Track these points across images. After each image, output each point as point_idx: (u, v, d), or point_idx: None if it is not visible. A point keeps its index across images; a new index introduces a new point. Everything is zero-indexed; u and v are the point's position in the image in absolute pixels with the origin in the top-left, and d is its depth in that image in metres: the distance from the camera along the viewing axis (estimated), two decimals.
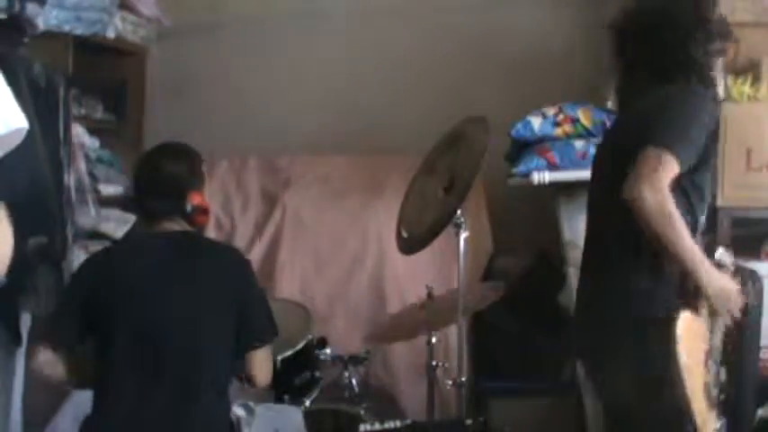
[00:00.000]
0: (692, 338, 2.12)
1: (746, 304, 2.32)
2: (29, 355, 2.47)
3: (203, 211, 2.49)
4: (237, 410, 2.58)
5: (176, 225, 2.47)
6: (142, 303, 2.37)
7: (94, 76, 3.86)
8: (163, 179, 2.47)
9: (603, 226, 2.32)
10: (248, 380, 2.48)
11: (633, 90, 2.39)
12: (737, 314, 2.23)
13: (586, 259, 2.40)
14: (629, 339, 2.15)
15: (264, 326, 2.47)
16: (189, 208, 2.46)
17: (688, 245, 2.06)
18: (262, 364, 2.47)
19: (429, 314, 2.99)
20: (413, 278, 3.57)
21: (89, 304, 2.42)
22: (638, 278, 2.19)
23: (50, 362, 2.42)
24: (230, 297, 2.40)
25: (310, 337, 3.11)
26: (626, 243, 2.18)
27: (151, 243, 2.49)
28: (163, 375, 2.33)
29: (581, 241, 2.46)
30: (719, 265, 2.22)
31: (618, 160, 2.17)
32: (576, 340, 2.42)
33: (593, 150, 3.39)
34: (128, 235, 3.58)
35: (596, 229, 2.39)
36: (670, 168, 2.06)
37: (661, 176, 2.04)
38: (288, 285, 3.72)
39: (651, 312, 2.14)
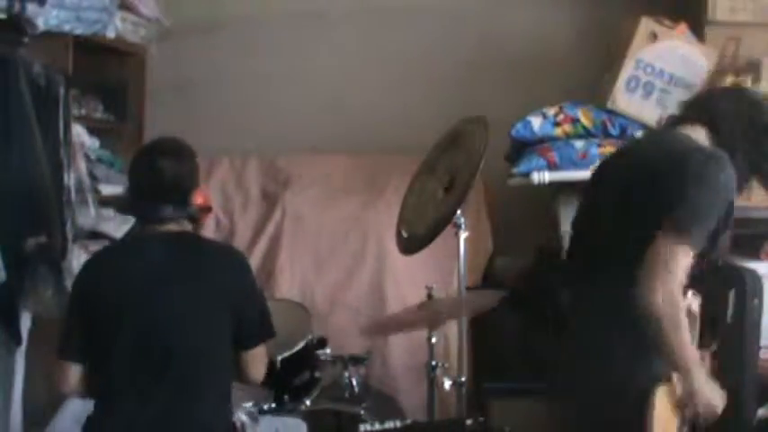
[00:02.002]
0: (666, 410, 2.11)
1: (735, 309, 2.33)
2: (59, 380, 2.45)
3: (207, 209, 2.50)
4: (242, 416, 2.58)
5: (177, 225, 2.47)
6: (142, 303, 2.37)
7: (94, 76, 3.86)
8: (165, 183, 2.41)
9: (600, 274, 2.25)
10: (240, 376, 2.48)
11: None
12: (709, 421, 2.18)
13: (575, 283, 2.37)
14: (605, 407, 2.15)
15: (260, 325, 2.47)
16: (193, 211, 2.46)
17: (688, 353, 2.06)
18: (256, 361, 2.47)
19: (428, 315, 2.99)
20: (413, 278, 3.57)
21: (90, 306, 2.42)
22: (622, 341, 2.14)
23: (79, 379, 2.43)
24: (229, 296, 2.40)
25: (310, 337, 3.11)
26: (618, 306, 2.12)
27: (151, 243, 2.48)
28: (164, 375, 2.33)
29: None
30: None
31: (623, 210, 2.18)
32: (550, 384, 2.41)
33: (593, 150, 3.40)
34: (127, 234, 3.58)
35: (591, 267, 2.31)
36: (684, 260, 2.04)
37: (675, 275, 2.02)
38: (288, 285, 3.72)
39: (631, 383, 2.12)
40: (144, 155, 2.51)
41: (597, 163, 2.62)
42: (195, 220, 2.49)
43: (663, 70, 3.44)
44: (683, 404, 2.11)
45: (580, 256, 2.38)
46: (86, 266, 2.54)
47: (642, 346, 2.08)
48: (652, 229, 2.06)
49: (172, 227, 2.45)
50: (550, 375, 2.39)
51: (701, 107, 2.35)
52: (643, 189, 2.17)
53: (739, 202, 2.25)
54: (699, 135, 2.28)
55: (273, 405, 2.93)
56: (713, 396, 2.13)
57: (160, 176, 2.41)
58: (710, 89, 2.55)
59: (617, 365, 2.14)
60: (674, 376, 2.09)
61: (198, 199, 2.46)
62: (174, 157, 2.45)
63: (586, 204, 2.44)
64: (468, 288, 3.07)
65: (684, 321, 2.03)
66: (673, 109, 3.43)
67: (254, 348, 2.46)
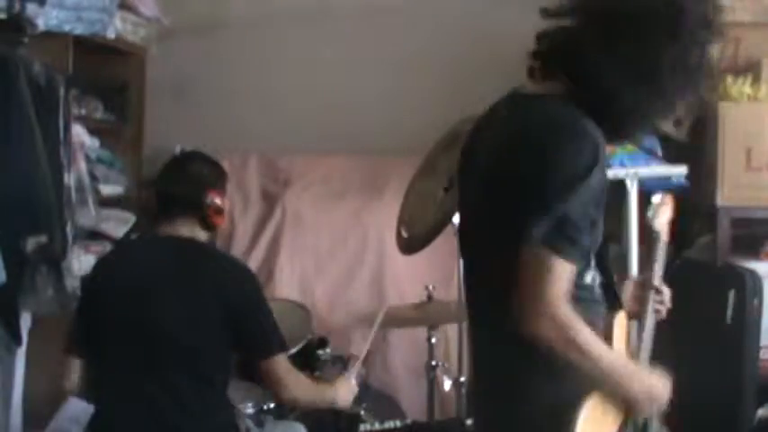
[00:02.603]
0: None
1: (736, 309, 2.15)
2: (62, 375, 2.50)
3: (219, 210, 2.51)
4: (247, 421, 2.58)
5: (187, 227, 2.47)
6: (139, 305, 2.37)
7: (94, 76, 3.86)
8: (185, 174, 2.54)
9: (484, 280, 1.81)
10: (273, 392, 2.48)
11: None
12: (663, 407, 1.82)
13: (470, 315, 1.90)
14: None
15: (265, 339, 2.44)
16: (208, 200, 2.48)
17: (605, 363, 1.67)
18: (278, 377, 2.42)
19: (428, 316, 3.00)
20: (413, 278, 3.57)
21: (92, 305, 2.45)
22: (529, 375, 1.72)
23: (80, 376, 2.48)
24: (226, 308, 2.37)
25: (310, 337, 3.11)
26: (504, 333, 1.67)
27: (156, 246, 2.51)
28: (158, 378, 2.34)
29: None
30: (657, 291, 2.00)
31: (488, 201, 1.74)
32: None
33: None
34: (131, 236, 3.59)
35: (476, 279, 1.87)
36: (561, 277, 1.60)
37: (551, 294, 1.59)
38: (288, 285, 3.73)
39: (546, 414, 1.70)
40: (175, 157, 2.71)
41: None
42: (206, 216, 2.50)
43: None
44: (630, 414, 1.79)
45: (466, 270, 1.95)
46: (95, 265, 2.61)
47: (540, 371, 1.68)
48: (512, 240, 1.62)
49: (183, 231, 2.46)
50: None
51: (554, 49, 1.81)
52: (496, 186, 1.72)
53: (739, 202, 2.20)
54: (555, 88, 1.77)
55: (273, 405, 2.93)
56: (648, 384, 1.77)
57: (182, 169, 2.56)
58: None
59: (527, 397, 1.73)
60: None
61: (214, 195, 2.49)
62: (202, 159, 2.59)
63: (461, 200, 1.94)
64: None
65: (582, 333, 1.62)
66: None
67: (265, 362, 2.41)
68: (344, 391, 2.61)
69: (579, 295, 1.69)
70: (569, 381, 1.67)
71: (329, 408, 3.05)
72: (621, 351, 1.84)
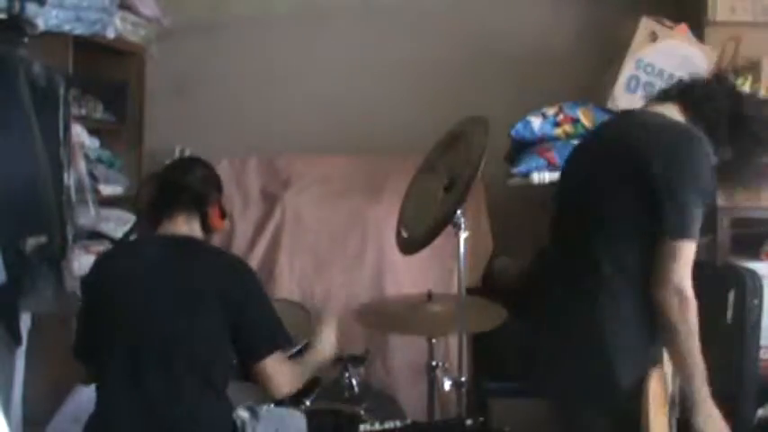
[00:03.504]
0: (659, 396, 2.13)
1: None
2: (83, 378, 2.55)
3: (224, 213, 2.56)
4: (242, 413, 2.58)
5: (188, 226, 2.48)
6: (139, 304, 2.38)
7: (94, 76, 3.86)
8: (195, 171, 2.57)
9: (586, 259, 2.23)
10: (266, 393, 2.48)
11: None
12: None
13: (558, 275, 2.35)
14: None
15: (264, 335, 2.45)
16: (213, 197, 2.54)
17: (696, 361, 2.08)
18: (273, 373, 2.44)
19: (429, 317, 2.99)
20: (413, 278, 3.57)
21: (92, 306, 2.45)
22: (614, 332, 2.15)
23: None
24: (224, 304, 2.38)
25: (310, 336, 3.10)
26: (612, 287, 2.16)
27: (154, 245, 2.51)
28: (158, 377, 2.34)
29: None
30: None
31: (606, 201, 2.18)
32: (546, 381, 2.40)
33: None
34: (131, 235, 3.58)
35: (574, 254, 2.29)
36: (689, 254, 2.08)
37: (684, 274, 2.06)
38: (288, 285, 3.72)
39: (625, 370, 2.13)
40: (177, 161, 2.74)
41: (572, 150, 2.57)
42: (206, 218, 2.51)
43: (663, 70, 3.44)
44: (672, 402, 2.15)
45: (563, 249, 2.36)
46: (92, 267, 2.59)
47: (635, 335, 2.10)
48: (640, 222, 2.08)
49: (183, 229, 2.46)
50: (547, 374, 2.38)
51: (678, 88, 2.31)
52: (625, 175, 2.15)
53: (739, 202, 2.26)
54: (672, 112, 2.25)
55: (273, 405, 2.93)
56: (711, 421, 2.10)
57: (189, 172, 2.57)
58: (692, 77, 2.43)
59: (610, 354, 2.13)
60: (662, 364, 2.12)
61: (216, 203, 2.55)
62: (205, 165, 2.63)
63: (566, 196, 2.40)
64: (468, 289, 3.07)
65: (696, 326, 2.06)
66: None
67: (264, 360, 2.43)
68: (328, 347, 2.70)
69: None
70: (650, 347, 2.11)
71: (329, 407, 3.06)
72: None
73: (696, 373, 2.08)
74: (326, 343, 2.72)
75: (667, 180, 2.07)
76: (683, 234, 2.06)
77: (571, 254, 2.27)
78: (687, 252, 2.06)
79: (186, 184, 2.53)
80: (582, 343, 2.19)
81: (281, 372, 2.46)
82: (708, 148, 2.15)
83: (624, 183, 2.13)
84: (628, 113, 2.46)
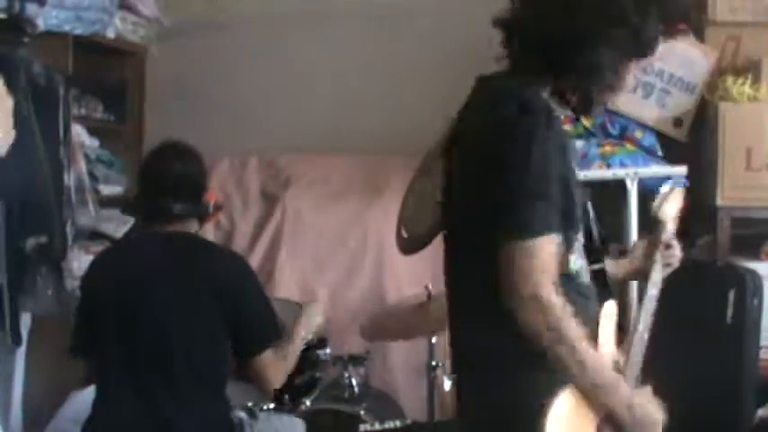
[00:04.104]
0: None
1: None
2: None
3: (218, 207, 2.54)
4: (240, 413, 2.58)
5: (183, 226, 2.47)
6: (136, 303, 2.38)
7: (94, 76, 3.86)
8: (179, 181, 2.46)
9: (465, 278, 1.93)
10: (258, 387, 2.49)
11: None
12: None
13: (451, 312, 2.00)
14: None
15: (261, 330, 2.46)
16: (210, 208, 2.50)
17: (589, 364, 1.63)
18: (266, 368, 2.45)
19: (429, 316, 2.99)
20: (413, 278, 3.57)
21: (90, 305, 2.45)
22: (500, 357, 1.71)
23: None
24: (222, 298, 2.38)
25: (310, 336, 3.10)
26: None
27: (150, 243, 2.50)
28: (157, 375, 2.34)
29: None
30: (668, 246, 2.03)
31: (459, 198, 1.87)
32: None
33: (593, 150, 3.40)
34: (131, 234, 3.59)
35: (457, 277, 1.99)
36: (544, 252, 1.61)
37: (536, 276, 1.59)
38: (288, 285, 3.72)
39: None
40: (152, 156, 2.56)
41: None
42: (204, 218, 2.51)
43: (663, 70, 3.44)
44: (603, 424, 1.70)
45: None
46: (90, 266, 2.59)
47: (519, 359, 1.66)
48: (480, 219, 1.70)
49: (178, 227, 2.46)
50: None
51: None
52: (465, 168, 1.84)
53: (739, 202, 2.23)
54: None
55: (273, 405, 2.93)
56: (641, 411, 1.69)
57: (170, 174, 2.46)
58: None
59: (504, 383, 1.71)
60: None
61: (211, 197, 2.50)
62: (183, 157, 2.51)
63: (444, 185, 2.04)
64: None
65: (570, 327, 1.60)
66: (672, 109, 3.46)
67: (260, 354, 2.43)
68: (313, 319, 2.71)
69: (569, 290, 1.68)
70: (547, 372, 1.63)
71: (329, 407, 3.06)
72: (609, 341, 1.79)
73: (584, 370, 1.63)
74: (312, 315, 2.72)
75: (492, 162, 1.76)
76: (521, 224, 1.63)
77: None
78: (539, 249, 1.62)
79: (184, 173, 2.48)
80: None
81: (273, 366, 2.47)
82: (542, 115, 1.76)
83: None
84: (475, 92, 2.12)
